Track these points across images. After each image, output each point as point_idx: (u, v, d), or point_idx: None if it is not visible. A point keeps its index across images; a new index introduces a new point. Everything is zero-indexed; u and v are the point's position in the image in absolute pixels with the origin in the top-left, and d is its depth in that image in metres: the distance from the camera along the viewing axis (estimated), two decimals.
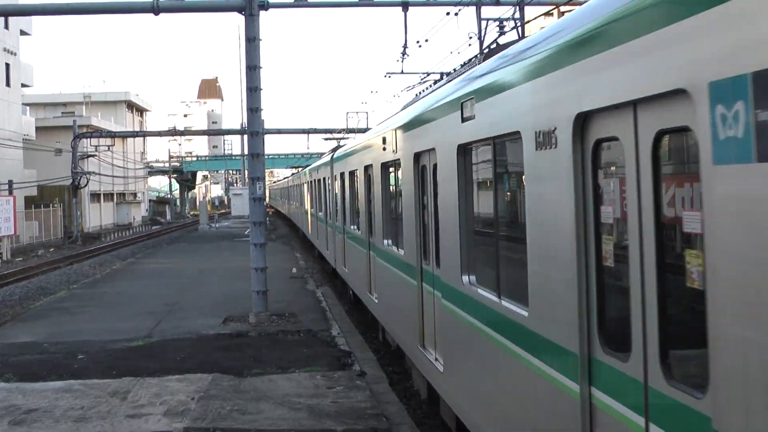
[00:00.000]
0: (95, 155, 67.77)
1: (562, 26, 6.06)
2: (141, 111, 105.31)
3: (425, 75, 28.18)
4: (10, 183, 51.41)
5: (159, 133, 79.13)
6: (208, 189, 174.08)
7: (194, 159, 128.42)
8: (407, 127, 12.01)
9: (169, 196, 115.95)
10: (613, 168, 5.35)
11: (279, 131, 66.31)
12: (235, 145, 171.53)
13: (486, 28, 23.27)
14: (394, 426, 10.84)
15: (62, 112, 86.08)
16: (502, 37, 21.64)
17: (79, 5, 20.40)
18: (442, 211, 9.60)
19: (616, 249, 5.26)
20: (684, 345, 4.63)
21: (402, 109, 14.83)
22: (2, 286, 31.21)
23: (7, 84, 60.39)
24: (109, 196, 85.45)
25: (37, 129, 67.77)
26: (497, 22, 23.02)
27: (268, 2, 19.75)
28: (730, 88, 3.74)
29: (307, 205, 38.73)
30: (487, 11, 22.92)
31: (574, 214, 5.60)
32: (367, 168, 16.99)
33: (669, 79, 4.27)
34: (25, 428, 10.58)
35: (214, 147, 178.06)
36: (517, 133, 6.61)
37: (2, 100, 58.57)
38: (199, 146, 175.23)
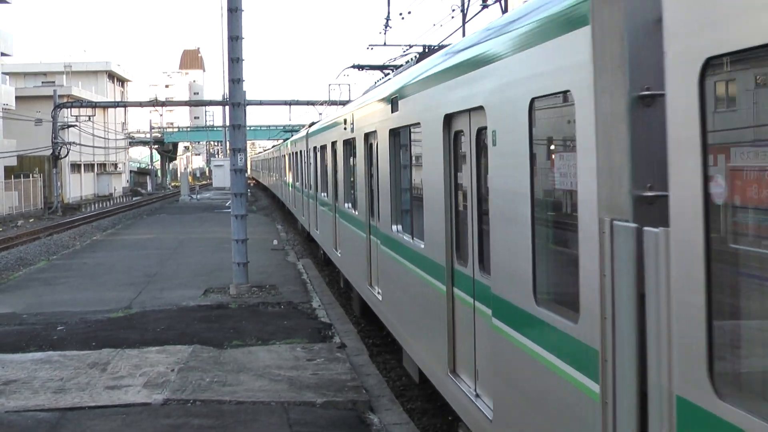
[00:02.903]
0: (76, 125, 67.29)
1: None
2: (122, 81, 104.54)
3: (408, 47, 28.06)
4: None
5: (140, 104, 78.51)
6: (189, 160, 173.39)
7: (175, 130, 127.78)
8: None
9: (150, 167, 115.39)
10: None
11: (261, 103, 66.08)
12: (216, 117, 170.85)
13: (469, 1, 23.21)
14: (374, 398, 10.88)
15: (42, 82, 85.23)
16: (485, 10, 21.59)
17: None
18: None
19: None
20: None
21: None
22: None
23: None
24: (89, 166, 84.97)
25: (17, 99, 67.09)
26: None
27: None
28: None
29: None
30: None
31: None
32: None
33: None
34: (3, 399, 10.53)
35: (195, 118, 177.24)
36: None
37: None
38: (181, 117, 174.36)
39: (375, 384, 11.69)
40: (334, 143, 19.74)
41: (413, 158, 10.81)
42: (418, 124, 9.67)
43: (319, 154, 23.73)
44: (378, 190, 13.17)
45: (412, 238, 10.39)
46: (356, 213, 15.82)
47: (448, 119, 8.42)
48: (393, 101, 11.42)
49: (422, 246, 9.61)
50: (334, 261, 20.23)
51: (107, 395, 10.68)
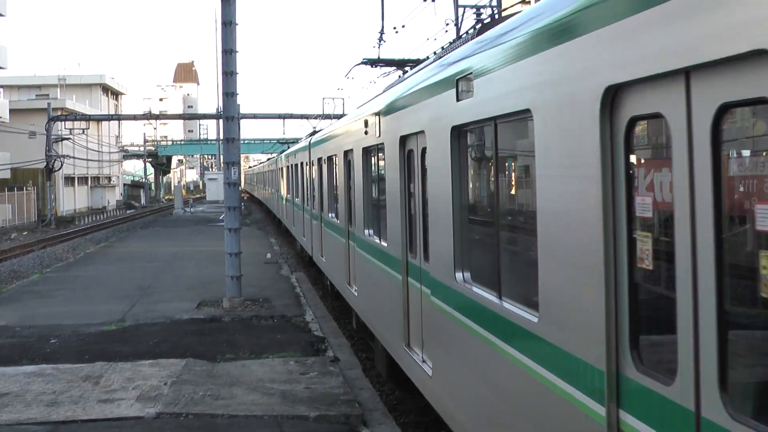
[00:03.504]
0: (70, 138, 67.32)
1: None
2: (116, 94, 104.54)
3: (402, 61, 28.14)
4: None
5: (134, 117, 78.57)
6: (183, 173, 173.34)
7: (169, 143, 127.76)
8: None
9: (143, 180, 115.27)
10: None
11: (255, 116, 66.10)
12: (210, 130, 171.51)
13: (463, 15, 23.35)
14: (367, 412, 10.88)
15: (36, 95, 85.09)
16: (479, 24, 21.69)
17: None
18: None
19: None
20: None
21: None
22: None
23: None
24: (83, 179, 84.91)
25: (11, 111, 67.08)
26: (474, 9, 23.05)
27: None
28: None
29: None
30: None
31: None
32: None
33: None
34: None
35: (189, 131, 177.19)
36: None
37: None
38: (175, 130, 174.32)
39: (368, 398, 11.68)
40: (347, 153, 15.98)
41: (501, 169, 7.20)
42: (526, 111, 5.87)
43: (325, 167, 20.15)
44: (426, 217, 9.49)
45: (500, 299, 6.71)
46: (385, 245, 11.92)
47: (611, 97, 4.58)
48: (460, 84, 7.61)
49: (534, 320, 5.79)
50: (347, 299, 16.42)
51: (100, 408, 10.66)
